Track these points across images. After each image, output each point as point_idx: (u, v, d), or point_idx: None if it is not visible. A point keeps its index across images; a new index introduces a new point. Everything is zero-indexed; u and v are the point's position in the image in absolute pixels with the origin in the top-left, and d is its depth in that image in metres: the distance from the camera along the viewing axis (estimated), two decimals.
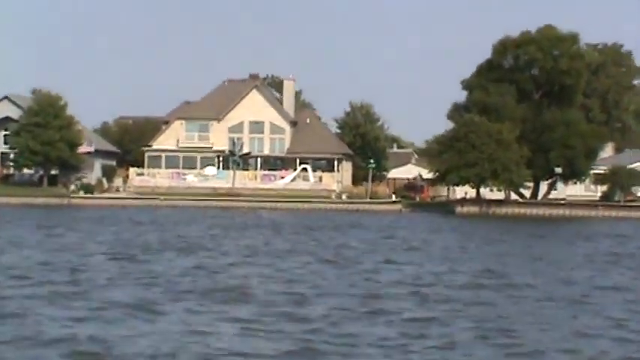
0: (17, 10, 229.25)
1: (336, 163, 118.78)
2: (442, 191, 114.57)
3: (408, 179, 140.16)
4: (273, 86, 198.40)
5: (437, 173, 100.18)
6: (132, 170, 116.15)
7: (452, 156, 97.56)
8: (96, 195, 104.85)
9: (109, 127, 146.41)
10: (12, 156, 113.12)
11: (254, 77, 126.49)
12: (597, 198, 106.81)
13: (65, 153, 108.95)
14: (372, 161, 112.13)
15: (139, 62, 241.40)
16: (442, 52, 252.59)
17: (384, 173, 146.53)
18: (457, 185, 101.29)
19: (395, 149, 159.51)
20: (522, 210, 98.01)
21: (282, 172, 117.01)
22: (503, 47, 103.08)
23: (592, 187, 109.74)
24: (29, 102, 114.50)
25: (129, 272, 32.85)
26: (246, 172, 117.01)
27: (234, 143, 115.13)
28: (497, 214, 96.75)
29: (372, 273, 34.39)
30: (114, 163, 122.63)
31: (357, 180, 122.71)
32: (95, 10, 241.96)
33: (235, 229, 61.92)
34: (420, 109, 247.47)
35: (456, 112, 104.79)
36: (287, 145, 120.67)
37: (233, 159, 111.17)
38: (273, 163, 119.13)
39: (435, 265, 38.45)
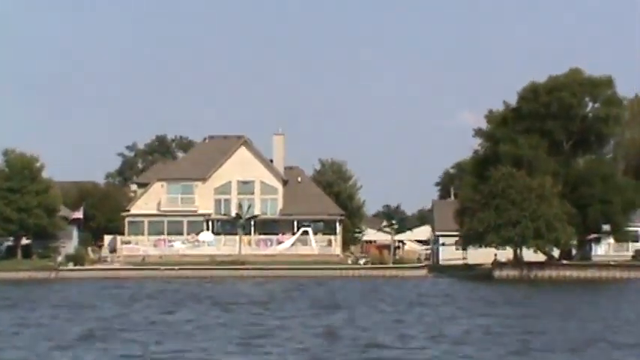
0: None
1: (337, 224, 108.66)
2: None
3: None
4: (181, 147, 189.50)
5: (469, 233, 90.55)
6: (118, 238, 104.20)
7: (489, 215, 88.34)
8: (87, 267, 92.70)
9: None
10: None
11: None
12: (630, 257, 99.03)
13: (43, 220, 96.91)
14: (394, 222, 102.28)
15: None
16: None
17: (360, 235, 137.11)
18: (497, 247, 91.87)
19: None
20: (567, 272, 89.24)
21: (280, 237, 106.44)
22: (532, 93, 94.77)
23: (621, 245, 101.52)
24: None
25: None
26: (235, 238, 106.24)
27: (240, 205, 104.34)
28: (540, 278, 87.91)
29: None
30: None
31: (345, 243, 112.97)
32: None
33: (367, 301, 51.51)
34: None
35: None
36: (280, 205, 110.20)
37: (240, 223, 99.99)
38: (266, 226, 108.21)
39: None
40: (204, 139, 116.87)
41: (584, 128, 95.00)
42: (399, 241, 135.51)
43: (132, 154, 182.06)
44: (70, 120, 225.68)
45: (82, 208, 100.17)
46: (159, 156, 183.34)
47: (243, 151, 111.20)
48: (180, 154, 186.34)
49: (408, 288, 72.34)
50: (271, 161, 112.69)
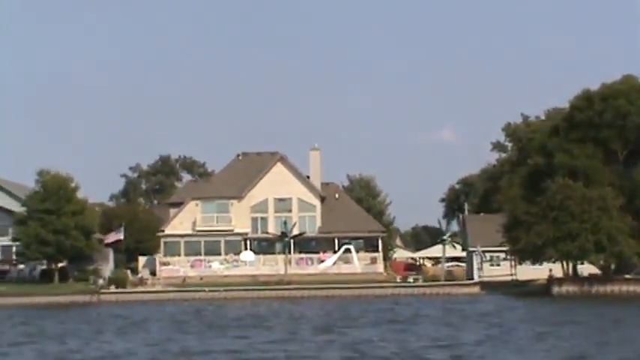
0: None
1: (379, 242, 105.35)
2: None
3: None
4: (184, 167, 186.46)
5: (526, 248, 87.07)
6: (157, 260, 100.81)
7: (547, 228, 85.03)
8: (129, 289, 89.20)
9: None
10: (14, 249, 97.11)
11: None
12: None
13: (80, 242, 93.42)
14: (444, 237, 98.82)
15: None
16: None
17: (392, 252, 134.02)
18: (554, 261, 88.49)
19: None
20: (630, 287, 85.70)
21: (322, 255, 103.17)
22: (586, 102, 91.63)
23: None
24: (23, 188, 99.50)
25: None
26: (276, 257, 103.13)
27: (285, 223, 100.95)
28: (602, 293, 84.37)
29: None
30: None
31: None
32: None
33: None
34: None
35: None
36: (318, 223, 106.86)
37: (285, 241, 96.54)
38: (305, 245, 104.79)
39: None
40: (238, 155, 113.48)
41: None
42: (415, 259, 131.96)
43: (135, 175, 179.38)
44: (69, 142, 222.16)
45: (122, 229, 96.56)
46: (162, 177, 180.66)
47: (279, 168, 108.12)
48: (184, 175, 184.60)
49: (490, 308, 68.11)
50: (307, 177, 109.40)
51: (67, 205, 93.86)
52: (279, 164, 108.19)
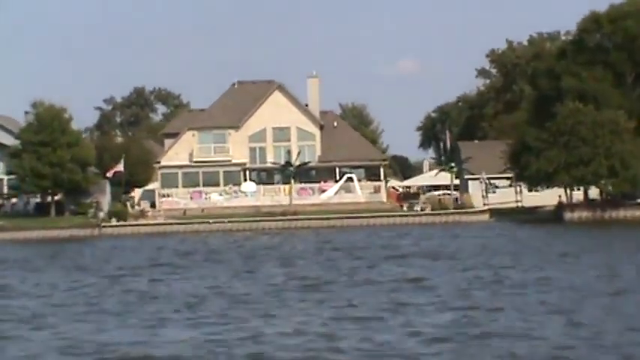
0: None
1: (382, 170, 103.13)
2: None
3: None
4: (159, 99, 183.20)
5: (537, 174, 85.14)
6: (157, 191, 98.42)
7: (558, 153, 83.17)
8: (131, 222, 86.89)
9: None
10: (6, 182, 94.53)
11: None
12: None
13: (77, 175, 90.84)
14: (452, 164, 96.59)
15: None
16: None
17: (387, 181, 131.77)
18: (566, 188, 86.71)
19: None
20: None
21: (322, 185, 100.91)
22: (594, 23, 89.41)
23: None
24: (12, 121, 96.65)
25: None
26: (277, 187, 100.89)
27: (289, 152, 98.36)
28: (615, 219, 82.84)
29: None
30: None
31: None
32: None
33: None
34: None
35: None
36: (318, 152, 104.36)
37: (289, 170, 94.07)
38: (305, 175, 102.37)
39: None
40: (233, 84, 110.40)
41: None
42: (406, 187, 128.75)
43: (109, 107, 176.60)
44: (42, 76, 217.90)
45: (122, 161, 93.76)
46: (137, 109, 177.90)
47: (277, 96, 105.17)
48: (159, 107, 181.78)
49: (512, 236, 65.87)
50: (306, 105, 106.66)
51: (62, 136, 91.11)
52: (276, 92, 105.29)
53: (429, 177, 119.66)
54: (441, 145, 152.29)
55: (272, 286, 36.28)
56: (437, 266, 43.01)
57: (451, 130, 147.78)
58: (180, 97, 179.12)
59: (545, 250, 50.29)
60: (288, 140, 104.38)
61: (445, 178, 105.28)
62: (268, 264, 47.34)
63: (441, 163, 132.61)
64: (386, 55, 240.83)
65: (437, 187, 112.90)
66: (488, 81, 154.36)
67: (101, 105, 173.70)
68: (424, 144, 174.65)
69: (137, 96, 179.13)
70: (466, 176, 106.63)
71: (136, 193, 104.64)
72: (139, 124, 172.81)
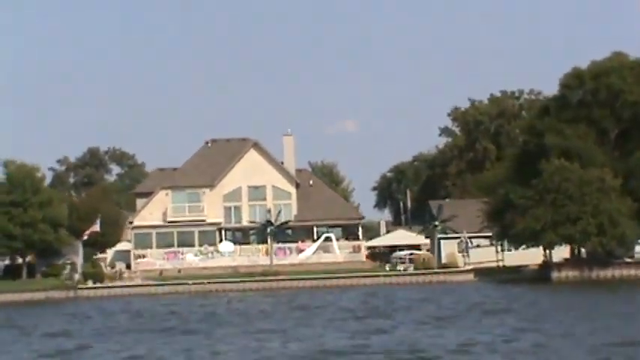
0: None
1: (360, 229, 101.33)
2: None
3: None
4: (114, 159, 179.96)
5: (523, 232, 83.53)
6: (132, 252, 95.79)
7: (545, 211, 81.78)
8: (108, 284, 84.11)
9: None
10: None
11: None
12: None
13: (49, 235, 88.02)
14: (436, 223, 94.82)
15: None
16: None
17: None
18: (552, 247, 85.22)
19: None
20: (631, 271, 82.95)
21: (300, 244, 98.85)
22: (577, 80, 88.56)
23: None
24: None
25: None
26: (254, 247, 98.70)
27: (269, 211, 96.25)
28: (603, 279, 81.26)
29: None
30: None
31: None
32: None
33: None
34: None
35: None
36: (294, 211, 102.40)
37: (270, 230, 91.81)
38: (280, 234, 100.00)
39: None
40: (206, 142, 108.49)
41: (634, 115, 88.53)
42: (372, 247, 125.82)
43: (63, 168, 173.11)
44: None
45: (98, 221, 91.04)
46: (91, 169, 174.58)
47: (252, 154, 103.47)
48: (113, 167, 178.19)
49: (512, 296, 64.05)
50: (282, 164, 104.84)
51: (34, 196, 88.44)
52: (252, 150, 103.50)
53: (392, 237, 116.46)
54: (401, 204, 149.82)
55: None
56: None
57: (412, 190, 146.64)
58: (134, 157, 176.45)
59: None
60: (264, 199, 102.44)
61: (409, 237, 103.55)
62: None
63: (399, 224, 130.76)
64: (341, 115, 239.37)
65: (400, 248, 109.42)
66: (450, 139, 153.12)
67: (54, 165, 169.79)
68: (379, 204, 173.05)
69: (91, 156, 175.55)
70: (439, 235, 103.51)
71: (108, 253, 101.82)
72: (92, 184, 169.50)
